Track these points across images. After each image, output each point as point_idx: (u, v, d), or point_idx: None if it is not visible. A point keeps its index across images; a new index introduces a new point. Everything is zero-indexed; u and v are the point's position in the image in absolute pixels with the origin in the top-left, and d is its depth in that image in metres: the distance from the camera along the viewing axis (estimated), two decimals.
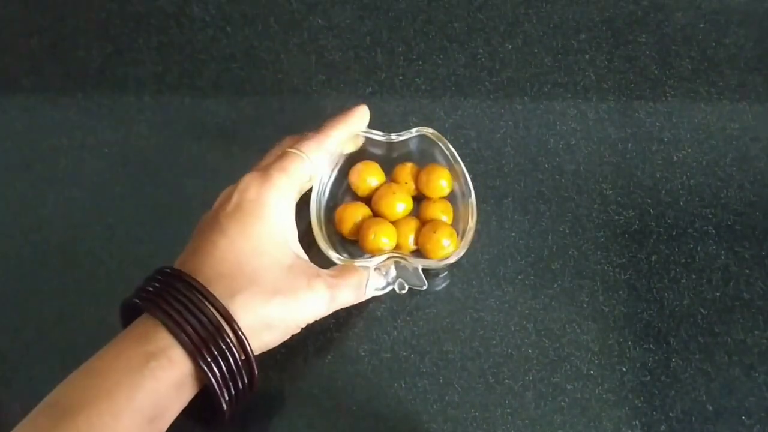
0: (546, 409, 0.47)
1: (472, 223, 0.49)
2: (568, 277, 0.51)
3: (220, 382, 0.41)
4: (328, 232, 0.50)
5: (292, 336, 0.45)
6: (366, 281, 0.48)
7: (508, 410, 0.47)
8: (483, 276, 0.51)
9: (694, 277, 0.51)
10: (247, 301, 0.42)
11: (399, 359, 0.49)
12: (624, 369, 0.48)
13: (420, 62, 0.58)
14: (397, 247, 0.50)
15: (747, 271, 0.51)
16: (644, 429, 0.47)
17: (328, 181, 0.51)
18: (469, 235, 0.49)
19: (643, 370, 0.48)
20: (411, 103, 0.57)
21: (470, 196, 0.50)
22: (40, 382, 0.43)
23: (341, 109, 0.51)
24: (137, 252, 0.53)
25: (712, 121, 0.56)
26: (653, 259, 0.51)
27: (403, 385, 0.48)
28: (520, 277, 0.51)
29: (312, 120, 0.53)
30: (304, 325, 0.45)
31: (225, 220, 0.45)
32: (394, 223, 0.50)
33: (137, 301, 0.42)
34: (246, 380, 0.42)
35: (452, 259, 0.48)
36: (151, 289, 0.42)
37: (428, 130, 0.52)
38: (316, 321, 0.46)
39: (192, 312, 0.41)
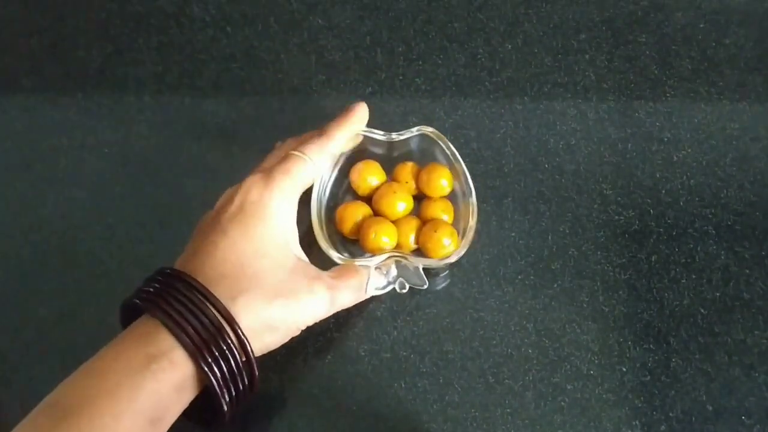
0: (546, 409, 0.47)
1: (472, 222, 0.49)
2: (568, 277, 0.51)
3: (221, 383, 0.41)
4: (328, 232, 0.50)
5: (292, 337, 0.45)
6: (366, 282, 0.48)
7: (508, 410, 0.47)
8: (483, 276, 0.51)
9: (694, 277, 0.51)
10: (248, 302, 0.42)
11: (399, 359, 0.49)
12: (624, 369, 0.48)
13: (420, 62, 0.58)
14: (398, 247, 0.50)
15: (747, 271, 0.51)
16: (644, 429, 0.47)
17: (328, 181, 0.51)
18: (470, 234, 0.49)
19: (643, 370, 0.48)
20: (411, 103, 0.57)
21: (471, 195, 0.50)
22: (40, 382, 0.43)
23: (341, 109, 0.51)
24: (137, 252, 0.53)
25: (712, 121, 0.56)
26: (653, 259, 0.51)
27: (403, 385, 0.48)
28: (520, 277, 0.51)
29: (312, 120, 0.53)
30: (304, 327, 0.45)
31: (227, 222, 0.45)
32: (394, 222, 0.50)
33: (137, 301, 0.42)
34: (246, 381, 0.42)
35: (453, 259, 0.48)
36: (151, 289, 0.42)
37: (429, 129, 0.52)
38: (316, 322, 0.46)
39: (193, 313, 0.41)
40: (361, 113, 0.51)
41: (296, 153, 0.48)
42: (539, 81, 0.57)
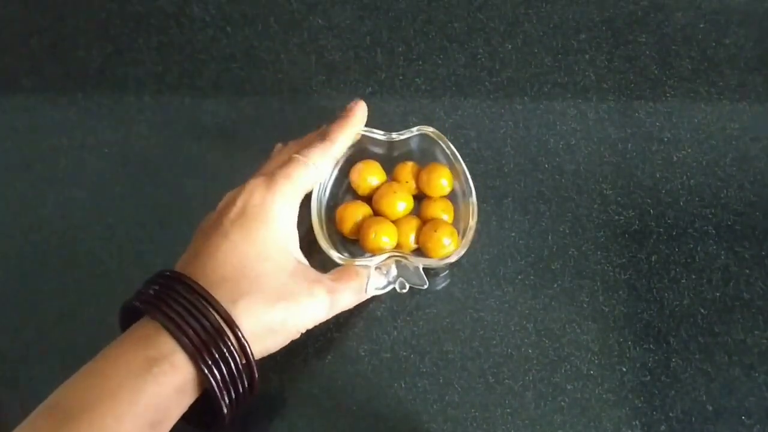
0: (546, 409, 0.47)
1: (472, 222, 0.49)
2: (568, 277, 0.51)
3: (221, 385, 0.41)
4: (329, 232, 0.50)
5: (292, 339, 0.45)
6: (366, 284, 0.48)
7: (508, 410, 0.47)
8: (483, 276, 0.51)
9: (694, 277, 0.51)
10: (250, 305, 0.42)
11: (399, 359, 0.49)
12: (624, 369, 0.48)
13: (420, 62, 0.58)
14: (398, 246, 0.50)
15: (747, 271, 0.51)
16: (644, 429, 0.47)
17: (328, 181, 0.51)
18: (470, 234, 0.49)
19: (643, 370, 0.48)
20: (411, 103, 0.57)
21: (471, 195, 0.50)
22: (40, 382, 0.43)
23: (341, 109, 0.51)
24: (137, 252, 0.53)
25: (712, 121, 0.56)
26: (653, 259, 0.51)
27: (403, 385, 0.48)
28: (520, 277, 0.51)
29: (312, 120, 0.53)
30: (304, 330, 0.45)
31: (229, 224, 0.45)
32: (394, 222, 0.50)
33: (137, 304, 0.42)
34: (246, 384, 0.42)
35: (453, 258, 0.48)
36: (151, 292, 0.42)
37: (429, 129, 0.52)
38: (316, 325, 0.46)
39: (194, 315, 0.41)
40: (360, 113, 0.51)
41: (299, 157, 0.48)
42: (539, 81, 0.57)
